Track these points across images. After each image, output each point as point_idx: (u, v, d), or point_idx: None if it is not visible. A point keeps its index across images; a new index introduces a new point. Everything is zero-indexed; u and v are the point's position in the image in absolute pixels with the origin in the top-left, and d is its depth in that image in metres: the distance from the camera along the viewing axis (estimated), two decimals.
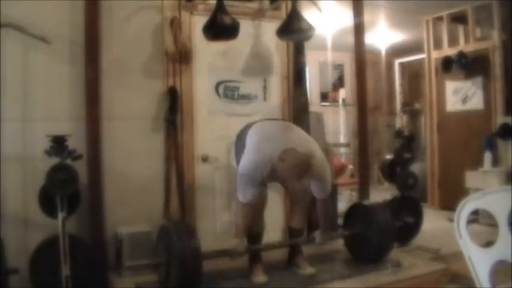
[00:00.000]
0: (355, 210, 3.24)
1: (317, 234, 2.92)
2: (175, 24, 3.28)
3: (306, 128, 3.29)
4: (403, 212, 4.00)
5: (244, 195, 2.64)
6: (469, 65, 5.31)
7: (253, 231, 2.85)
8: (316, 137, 3.14)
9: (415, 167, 4.49)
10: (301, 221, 3.01)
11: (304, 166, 2.51)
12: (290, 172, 2.53)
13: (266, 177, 2.62)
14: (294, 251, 3.01)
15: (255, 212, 2.78)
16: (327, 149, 3.20)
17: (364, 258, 3.08)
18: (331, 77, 7.66)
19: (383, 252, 3.06)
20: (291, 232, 3.05)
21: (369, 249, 3.04)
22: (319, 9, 3.66)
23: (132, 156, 3.23)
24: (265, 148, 2.62)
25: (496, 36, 5.08)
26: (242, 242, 2.73)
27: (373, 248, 3.03)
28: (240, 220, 2.71)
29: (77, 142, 2.87)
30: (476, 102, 5.33)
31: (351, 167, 6.63)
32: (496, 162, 4.75)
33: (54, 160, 2.64)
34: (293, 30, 3.39)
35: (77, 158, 2.76)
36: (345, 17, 4.77)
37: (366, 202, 3.40)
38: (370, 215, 3.08)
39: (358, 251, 3.17)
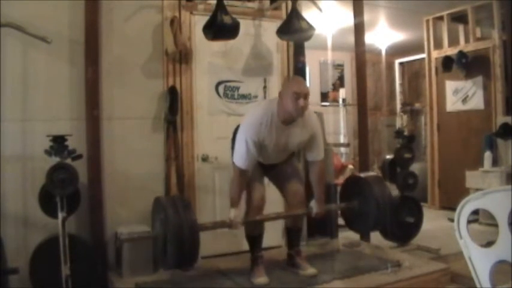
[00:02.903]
0: (351, 183, 3.23)
1: (313, 203, 2.90)
2: (175, 24, 3.28)
3: None
4: (403, 212, 4.00)
5: (241, 160, 2.65)
6: (469, 65, 5.30)
7: (254, 233, 2.85)
8: None
9: (415, 167, 4.48)
10: (297, 219, 2.99)
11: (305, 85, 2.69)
12: (293, 87, 2.61)
13: (267, 136, 2.64)
14: (292, 253, 2.97)
15: (255, 214, 2.78)
16: (327, 149, 3.20)
17: (362, 230, 3.06)
18: (331, 77, 7.66)
19: (380, 223, 3.05)
20: (288, 232, 3.04)
21: (367, 221, 3.03)
22: (319, 9, 3.66)
23: (132, 156, 3.23)
24: (263, 106, 2.75)
25: (496, 36, 5.08)
26: (240, 213, 2.72)
27: (370, 219, 3.01)
28: (236, 189, 2.71)
29: (77, 142, 2.87)
30: (476, 102, 5.33)
31: (351, 167, 6.62)
32: (496, 162, 4.74)
33: (54, 160, 2.64)
34: (293, 30, 3.39)
35: (77, 157, 2.76)
36: (345, 17, 4.76)
37: (362, 174, 3.39)
38: (367, 187, 3.06)
39: (355, 223, 3.16)
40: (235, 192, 2.71)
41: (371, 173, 3.31)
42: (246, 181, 2.72)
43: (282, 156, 2.87)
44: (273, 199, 3.10)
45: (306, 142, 2.80)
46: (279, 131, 2.68)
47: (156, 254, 2.61)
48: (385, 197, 3.03)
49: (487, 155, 4.72)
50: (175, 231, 2.42)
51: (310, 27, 3.43)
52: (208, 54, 3.52)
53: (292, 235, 3.00)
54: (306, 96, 2.60)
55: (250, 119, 2.70)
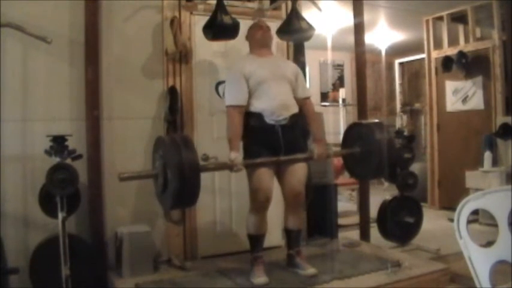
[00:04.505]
0: (353, 129, 3.20)
1: (312, 146, 2.92)
2: (175, 24, 3.28)
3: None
4: (403, 212, 4.00)
5: (231, 95, 2.78)
6: (469, 65, 5.31)
7: (257, 233, 2.85)
8: None
9: (415, 167, 4.48)
10: (297, 220, 2.96)
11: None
12: (256, 23, 3.01)
13: (254, 70, 2.80)
14: (292, 253, 2.96)
15: (259, 212, 2.78)
16: (327, 149, 3.18)
17: (364, 175, 3.15)
18: (331, 77, 7.67)
19: (382, 167, 3.01)
20: (287, 234, 3.01)
21: (369, 165, 3.00)
22: (319, 9, 3.66)
23: (132, 156, 3.23)
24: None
25: (496, 36, 5.08)
26: (239, 155, 2.72)
27: (373, 163, 2.97)
28: (232, 131, 2.74)
29: (77, 142, 2.87)
30: (476, 102, 5.33)
31: None
32: (496, 162, 4.74)
33: (54, 160, 2.64)
34: (293, 30, 3.38)
35: (77, 158, 2.76)
36: (345, 17, 4.77)
37: (364, 121, 3.41)
38: (368, 132, 3.02)
39: (358, 169, 3.14)
40: (233, 134, 2.74)
41: (372, 120, 3.35)
42: (241, 120, 2.76)
43: (284, 92, 2.86)
44: (274, 200, 3.10)
45: (295, 78, 2.94)
46: (263, 63, 2.87)
47: (157, 194, 2.60)
48: (387, 140, 3.01)
49: (487, 155, 4.72)
50: (176, 170, 2.37)
51: (310, 27, 3.43)
52: (208, 54, 3.51)
53: (292, 236, 2.98)
54: (268, 28, 3.00)
55: (237, 65, 2.94)
